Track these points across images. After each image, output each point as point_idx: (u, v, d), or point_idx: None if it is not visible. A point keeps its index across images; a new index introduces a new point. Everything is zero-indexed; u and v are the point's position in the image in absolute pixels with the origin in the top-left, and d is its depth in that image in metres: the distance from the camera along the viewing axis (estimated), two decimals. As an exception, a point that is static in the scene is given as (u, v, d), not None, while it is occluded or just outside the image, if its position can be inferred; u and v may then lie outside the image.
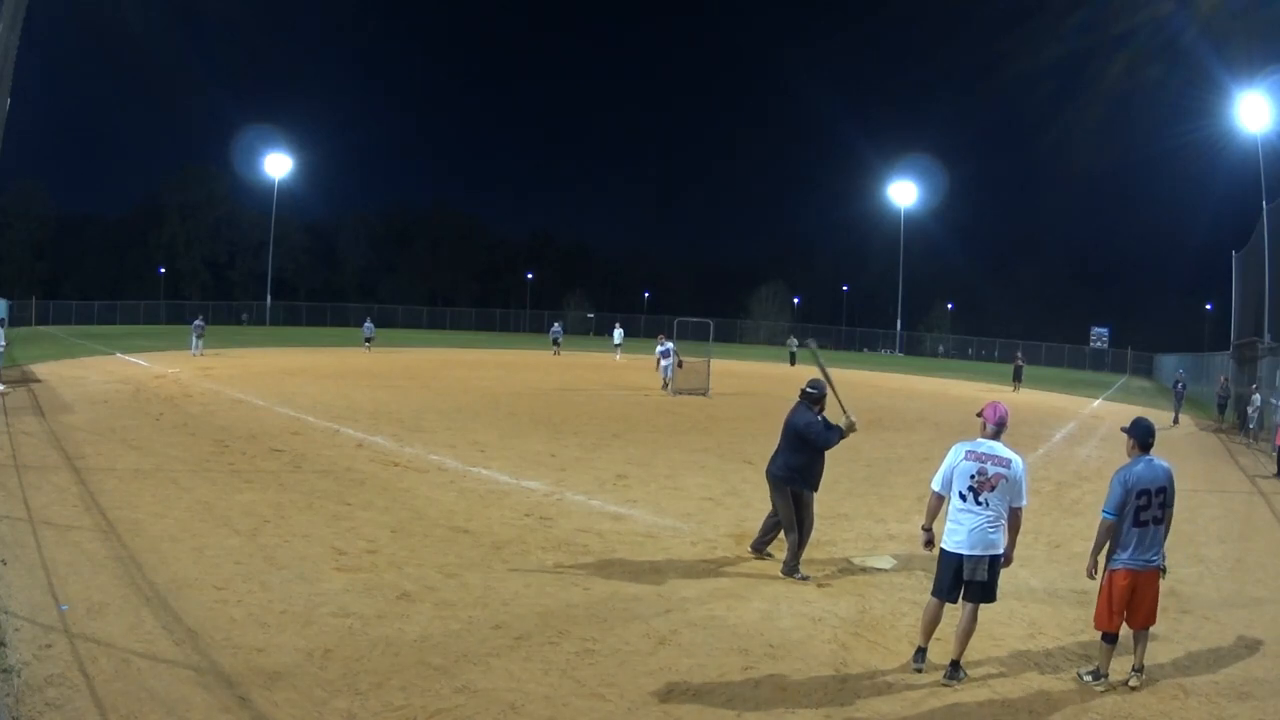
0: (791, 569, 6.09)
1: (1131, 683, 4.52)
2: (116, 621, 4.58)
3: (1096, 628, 4.58)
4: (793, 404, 6.37)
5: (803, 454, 6.14)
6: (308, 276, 76.62)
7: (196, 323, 26.83)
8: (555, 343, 37.06)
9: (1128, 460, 4.66)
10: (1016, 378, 30.94)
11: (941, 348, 70.24)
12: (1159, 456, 4.62)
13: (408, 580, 5.60)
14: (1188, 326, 65.07)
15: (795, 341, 39.40)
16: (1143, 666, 4.59)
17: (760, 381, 26.77)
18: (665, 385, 20.78)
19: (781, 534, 6.32)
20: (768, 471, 6.37)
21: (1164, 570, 4.59)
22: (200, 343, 26.22)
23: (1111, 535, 4.51)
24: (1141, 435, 4.63)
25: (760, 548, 6.55)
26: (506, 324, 69.23)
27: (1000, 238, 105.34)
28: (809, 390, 6.31)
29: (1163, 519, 4.55)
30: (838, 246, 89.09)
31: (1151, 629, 4.66)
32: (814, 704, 4.09)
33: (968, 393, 25.98)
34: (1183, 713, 4.21)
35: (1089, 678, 4.53)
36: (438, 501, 7.96)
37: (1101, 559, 4.62)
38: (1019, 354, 33.12)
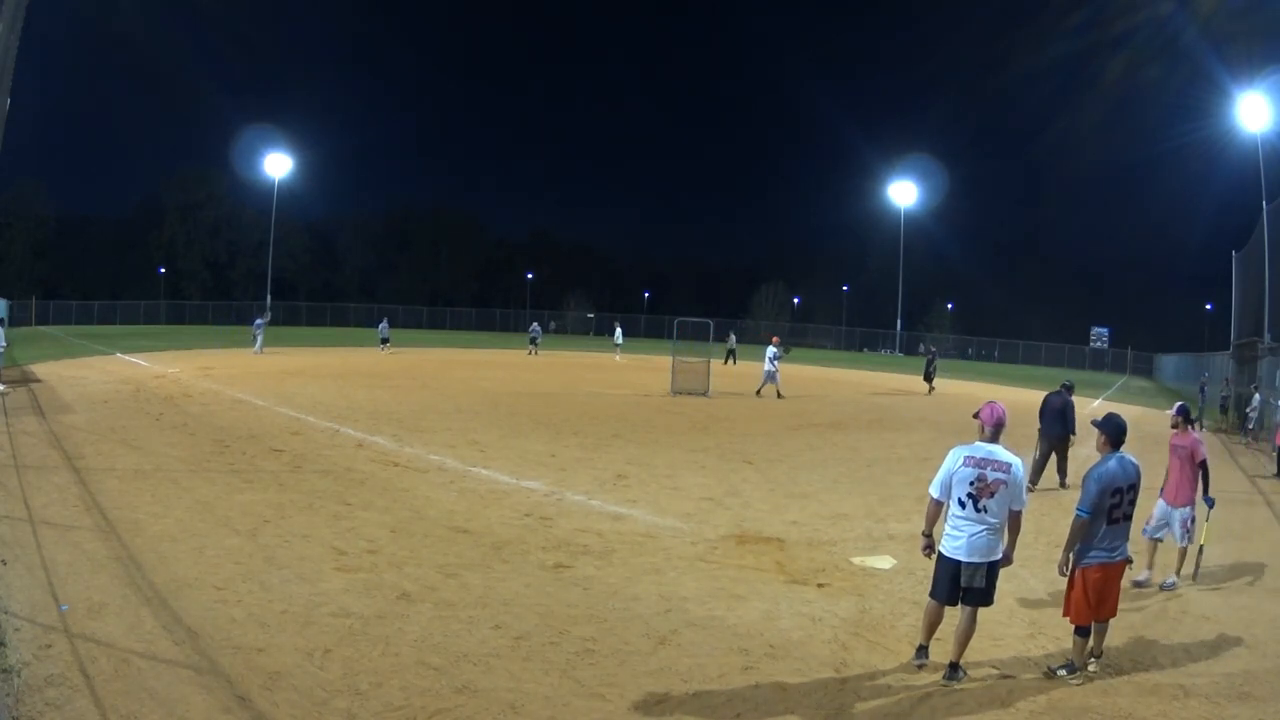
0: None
1: (1091, 668, 4.61)
2: (116, 621, 4.58)
3: (1072, 621, 4.64)
4: (1055, 391, 10.57)
5: (1064, 422, 10.34)
6: (308, 276, 76.53)
7: (258, 321, 27.97)
8: (533, 342, 36.50)
9: (1099, 457, 4.68)
10: (928, 376, 25.21)
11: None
12: (1129, 454, 4.67)
13: (408, 580, 5.60)
14: (1188, 326, 65.09)
15: (734, 339, 37.48)
16: (1102, 652, 4.71)
17: (759, 382, 26.71)
18: (767, 389, 20.97)
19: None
20: (1050, 433, 10.40)
21: (1130, 561, 4.72)
22: (261, 338, 27.37)
23: (1085, 533, 4.54)
24: (1114, 432, 4.67)
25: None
26: (507, 324, 69.18)
27: (1000, 238, 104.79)
28: (1070, 384, 10.94)
29: (1131, 515, 4.63)
30: (838, 246, 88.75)
31: (1152, 630, 4.66)
32: (814, 704, 4.09)
33: (966, 392, 25.94)
34: (1183, 713, 4.20)
35: (1063, 671, 4.55)
36: (438, 501, 7.96)
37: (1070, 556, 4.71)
38: (930, 347, 27.86)
